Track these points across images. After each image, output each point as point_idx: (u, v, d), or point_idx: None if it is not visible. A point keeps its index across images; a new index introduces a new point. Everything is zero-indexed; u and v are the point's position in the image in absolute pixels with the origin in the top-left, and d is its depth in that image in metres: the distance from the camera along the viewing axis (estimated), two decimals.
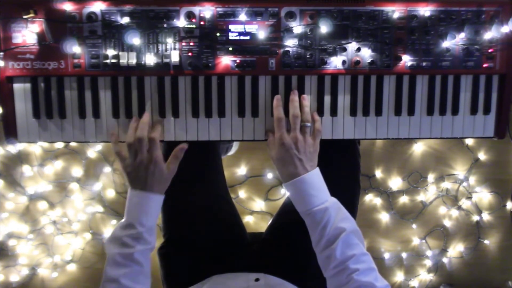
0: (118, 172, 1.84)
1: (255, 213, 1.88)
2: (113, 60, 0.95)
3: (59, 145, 1.82)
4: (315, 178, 0.91)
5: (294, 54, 0.97)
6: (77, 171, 1.84)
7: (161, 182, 0.93)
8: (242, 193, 1.86)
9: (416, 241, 1.93)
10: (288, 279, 0.98)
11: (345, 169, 1.12)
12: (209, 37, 0.95)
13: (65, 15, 0.94)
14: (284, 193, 1.84)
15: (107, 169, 1.84)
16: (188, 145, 0.96)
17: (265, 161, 1.85)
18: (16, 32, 0.94)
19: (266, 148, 0.97)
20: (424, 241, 1.93)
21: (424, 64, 0.98)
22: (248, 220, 1.86)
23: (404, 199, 1.90)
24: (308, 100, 0.97)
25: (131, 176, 0.92)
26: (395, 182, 1.88)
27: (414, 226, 1.92)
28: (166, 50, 0.96)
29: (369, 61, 0.97)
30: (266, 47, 0.96)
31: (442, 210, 1.91)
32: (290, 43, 0.96)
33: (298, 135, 0.92)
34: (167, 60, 0.95)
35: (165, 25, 0.95)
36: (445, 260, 1.95)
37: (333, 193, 1.06)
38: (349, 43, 0.97)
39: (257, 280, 0.94)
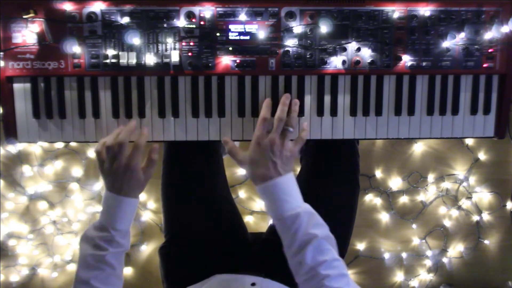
0: None
1: (255, 213, 1.88)
2: (113, 60, 0.95)
3: (59, 145, 1.82)
4: (288, 183, 0.89)
5: (294, 54, 0.97)
6: (77, 171, 1.84)
7: (136, 188, 0.92)
8: (242, 193, 1.86)
9: (416, 241, 1.93)
10: (288, 280, 0.98)
11: (344, 169, 1.11)
12: (209, 37, 0.95)
13: (65, 15, 0.94)
14: None
15: None
16: (158, 146, 0.96)
17: None
18: (16, 32, 0.94)
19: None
20: (424, 241, 1.93)
21: (424, 64, 0.98)
22: (248, 220, 1.86)
23: (404, 199, 1.90)
24: (298, 105, 0.96)
25: (107, 179, 0.92)
26: (395, 182, 1.88)
27: (414, 226, 1.92)
28: (166, 50, 0.96)
29: (369, 61, 0.97)
30: (266, 47, 0.96)
31: (442, 210, 1.91)
32: (290, 43, 0.96)
33: (277, 138, 0.90)
34: (167, 60, 0.95)
35: (165, 25, 0.95)
36: (445, 260, 1.95)
37: (332, 193, 1.06)
38: (349, 43, 0.97)
39: (253, 284, 0.94)
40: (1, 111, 0.99)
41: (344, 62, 0.97)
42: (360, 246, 1.92)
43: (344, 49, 0.97)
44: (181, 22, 0.95)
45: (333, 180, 1.10)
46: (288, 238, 0.87)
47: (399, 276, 1.95)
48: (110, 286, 0.88)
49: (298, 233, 0.85)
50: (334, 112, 1.00)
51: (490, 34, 0.97)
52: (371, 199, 1.90)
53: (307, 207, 0.89)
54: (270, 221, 1.19)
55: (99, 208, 1.86)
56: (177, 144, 1.09)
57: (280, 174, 0.89)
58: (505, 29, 0.97)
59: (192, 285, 0.97)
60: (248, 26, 0.95)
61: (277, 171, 0.89)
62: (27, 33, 0.94)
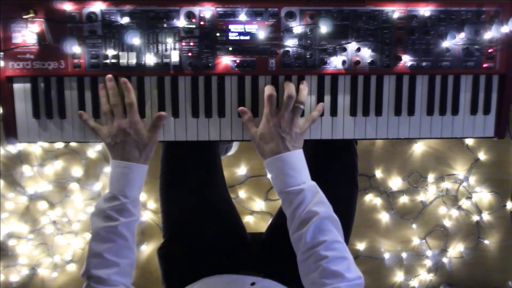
0: None
1: (255, 213, 1.88)
2: (113, 60, 0.95)
3: (59, 145, 1.82)
4: (295, 158, 0.90)
5: (294, 54, 0.97)
6: (77, 171, 1.84)
7: (140, 148, 0.92)
8: (242, 193, 1.86)
9: (416, 241, 1.93)
10: (288, 280, 0.98)
11: (342, 169, 1.12)
12: (209, 37, 0.95)
13: (65, 15, 0.94)
14: None
15: (107, 169, 1.84)
16: (165, 114, 0.96)
17: None
18: (16, 32, 0.94)
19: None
20: (424, 241, 1.93)
21: (424, 64, 0.98)
22: (248, 220, 1.86)
23: (404, 199, 1.90)
24: (307, 85, 0.96)
25: (111, 145, 0.92)
26: (395, 182, 1.88)
27: (414, 226, 1.91)
28: (166, 50, 0.96)
29: (369, 61, 0.97)
30: (266, 47, 0.96)
31: (442, 210, 1.91)
32: (290, 43, 0.96)
33: (286, 114, 0.92)
34: (167, 60, 0.95)
35: (165, 25, 0.95)
36: (445, 260, 1.95)
37: (330, 193, 1.06)
38: (349, 43, 0.97)
39: (253, 284, 0.94)
40: (1, 111, 0.99)
41: (344, 62, 0.97)
42: (360, 246, 1.92)
43: (344, 49, 0.97)
44: (181, 22, 0.95)
45: (332, 180, 1.10)
46: (289, 214, 0.88)
47: (399, 276, 1.95)
48: (123, 259, 0.87)
49: (300, 209, 0.85)
50: (334, 112, 1.00)
51: (490, 34, 0.97)
52: (371, 199, 1.90)
53: (312, 184, 0.90)
54: (270, 222, 1.19)
55: None
56: (176, 144, 1.09)
57: (288, 149, 0.90)
58: (505, 29, 0.97)
59: (190, 285, 0.97)
60: (248, 26, 0.95)
61: (286, 146, 0.90)
62: (27, 33, 0.94)
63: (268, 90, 0.95)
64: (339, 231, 0.86)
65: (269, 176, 0.94)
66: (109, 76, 0.94)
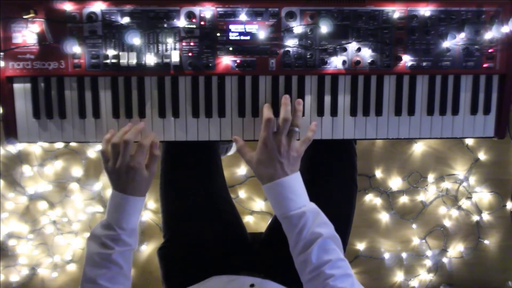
0: None
1: (255, 213, 1.88)
2: (113, 60, 0.95)
3: (59, 145, 1.82)
4: (294, 182, 0.90)
5: (294, 54, 0.97)
6: (77, 171, 1.84)
7: (141, 186, 0.92)
8: (242, 193, 1.86)
9: (416, 241, 1.93)
10: (288, 281, 0.98)
11: (341, 169, 1.12)
12: (210, 37, 0.96)
13: (65, 15, 0.94)
14: None
15: None
16: (158, 140, 0.96)
17: None
18: (16, 32, 0.94)
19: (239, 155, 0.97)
20: (424, 241, 1.93)
21: (424, 64, 0.98)
22: (248, 220, 1.87)
23: (404, 199, 1.90)
24: (302, 105, 0.96)
25: (112, 178, 0.92)
26: (395, 182, 1.88)
27: (414, 226, 1.92)
28: (166, 50, 0.96)
29: (369, 61, 0.97)
30: (266, 47, 0.96)
31: (442, 210, 1.91)
32: (291, 43, 0.96)
33: (283, 138, 0.91)
34: (167, 60, 0.95)
35: (165, 25, 0.95)
36: (445, 260, 1.95)
37: (330, 193, 1.06)
38: (349, 43, 0.97)
39: (252, 286, 0.94)
40: (1, 111, 0.99)
41: (344, 62, 0.97)
42: (360, 246, 1.92)
43: (345, 49, 0.97)
44: (181, 22, 0.95)
45: (331, 179, 1.10)
46: (293, 237, 0.88)
47: (399, 276, 1.95)
48: (117, 285, 0.88)
49: (303, 232, 0.86)
50: (334, 112, 1.00)
51: (490, 34, 0.97)
52: (371, 199, 1.90)
53: (312, 206, 0.90)
54: (269, 222, 1.19)
55: (99, 208, 1.86)
56: (176, 144, 1.09)
57: (286, 174, 0.90)
58: (505, 29, 0.97)
59: (190, 286, 0.97)
60: (248, 26, 0.95)
61: (284, 171, 0.90)
62: (27, 33, 0.94)
63: (267, 113, 0.93)
64: (340, 249, 0.88)
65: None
66: (143, 123, 0.96)
